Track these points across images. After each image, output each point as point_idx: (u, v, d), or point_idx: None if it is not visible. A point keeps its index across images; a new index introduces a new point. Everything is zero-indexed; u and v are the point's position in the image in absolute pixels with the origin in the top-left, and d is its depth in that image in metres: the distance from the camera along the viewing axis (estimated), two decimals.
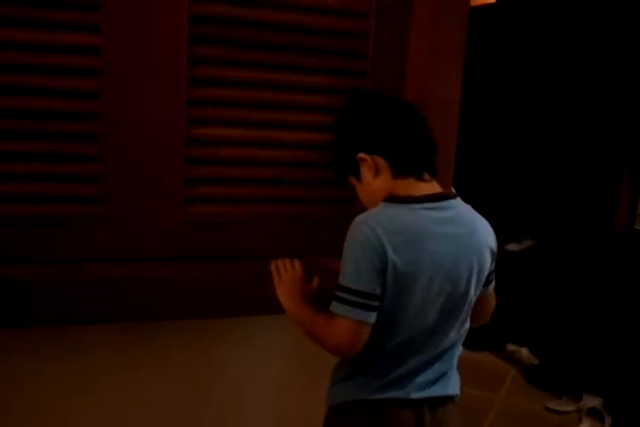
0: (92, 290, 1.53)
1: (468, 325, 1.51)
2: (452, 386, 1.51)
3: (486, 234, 1.47)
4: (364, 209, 1.56)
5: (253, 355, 1.84)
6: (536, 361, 3.79)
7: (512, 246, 3.85)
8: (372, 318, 1.34)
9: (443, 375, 1.48)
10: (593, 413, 3.22)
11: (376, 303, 1.34)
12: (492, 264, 1.50)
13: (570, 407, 3.33)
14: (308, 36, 1.66)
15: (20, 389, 1.64)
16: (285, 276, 1.57)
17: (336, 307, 1.35)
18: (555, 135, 3.95)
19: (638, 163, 3.61)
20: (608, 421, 3.17)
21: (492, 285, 1.56)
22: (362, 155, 1.42)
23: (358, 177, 1.47)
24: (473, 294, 1.45)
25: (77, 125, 1.54)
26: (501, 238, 1.53)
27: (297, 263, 1.59)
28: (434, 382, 1.46)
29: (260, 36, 1.62)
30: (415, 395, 1.43)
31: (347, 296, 1.33)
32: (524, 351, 3.86)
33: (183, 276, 1.61)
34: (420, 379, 1.44)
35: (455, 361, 1.52)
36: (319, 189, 1.75)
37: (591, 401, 3.29)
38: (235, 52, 1.61)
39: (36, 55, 1.47)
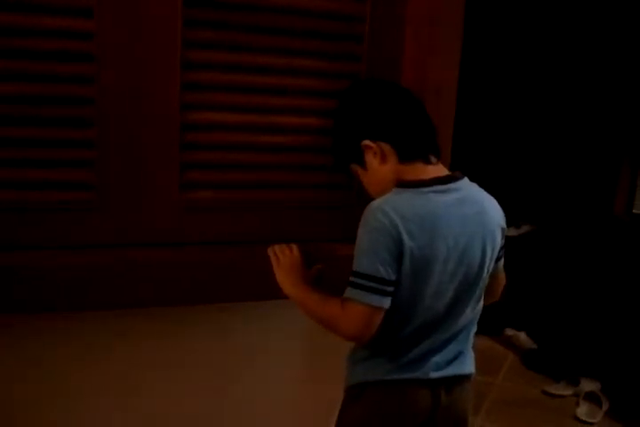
0: (87, 276, 1.53)
1: (482, 303, 1.52)
2: (468, 365, 1.52)
3: (496, 212, 1.48)
4: (361, 195, 1.56)
5: (260, 340, 1.85)
6: (534, 346, 3.80)
7: (510, 231, 3.84)
8: (386, 303, 1.35)
9: (459, 354, 1.49)
10: (590, 397, 3.23)
11: (390, 289, 1.34)
12: (501, 241, 1.51)
13: (567, 391, 3.34)
14: (304, 20, 1.65)
15: (22, 375, 1.65)
16: (284, 260, 1.57)
17: (350, 292, 1.35)
18: (554, 120, 3.94)
19: (638, 147, 3.61)
20: (605, 405, 3.18)
21: (502, 261, 1.57)
22: (367, 142, 1.42)
23: (363, 165, 1.46)
24: (486, 273, 1.46)
25: (72, 111, 1.53)
26: None
27: (295, 248, 1.59)
28: (451, 361, 1.47)
29: (255, 19, 1.61)
30: (433, 375, 1.45)
31: (361, 281, 1.34)
32: (522, 336, 3.87)
33: (179, 261, 1.61)
34: (437, 359, 1.45)
35: (471, 340, 1.53)
36: (316, 174, 1.74)
37: (589, 385, 3.30)
38: (229, 35, 1.60)
39: (30, 40, 1.46)
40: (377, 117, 1.43)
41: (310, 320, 1.48)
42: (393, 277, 1.33)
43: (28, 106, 1.49)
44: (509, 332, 3.94)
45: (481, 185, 1.49)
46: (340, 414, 1.55)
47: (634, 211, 3.64)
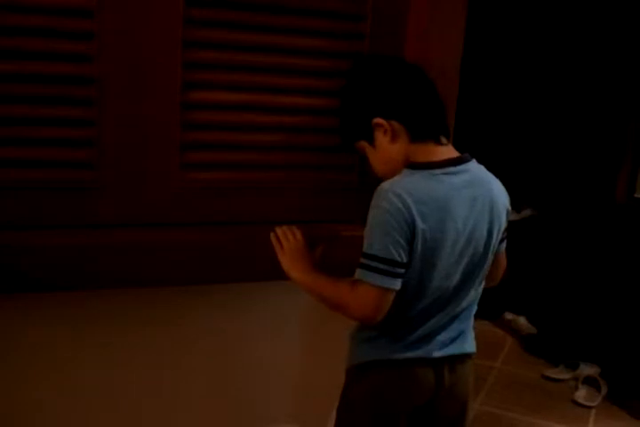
0: (87, 256, 1.53)
1: (483, 283, 1.52)
2: (470, 344, 1.53)
3: (502, 194, 1.48)
4: (363, 176, 1.54)
5: (259, 320, 1.85)
6: (533, 330, 3.81)
7: (511, 216, 3.82)
8: (397, 284, 1.35)
9: (461, 334, 1.50)
10: (589, 381, 3.24)
11: (401, 271, 1.34)
12: (506, 222, 1.51)
13: (566, 376, 3.35)
14: None
15: (23, 356, 1.65)
16: (287, 246, 1.55)
17: (361, 274, 1.35)
18: (556, 104, 3.92)
19: None
20: (604, 389, 3.19)
21: (505, 243, 1.56)
22: (378, 120, 1.39)
23: (372, 143, 1.45)
24: (491, 254, 1.47)
25: (73, 89, 1.52)
26: None
27: (297, 232, 1.57)
28: (453, 340, 1.48)
29: None
30: (436, 354, 1.46)
31: (373, 263, 1.33)
32: (522, 320, 3.88)
33: (179, 241, 1.61)
34: (441, 338, 1.46)
35: (472, 320, 1.54)
36: (318, 155, 1.73)
37: (587, 369, 3.31)
38: (231, 14, 1.58)
39: (30, 18, 1.45)
40: (390, 95, 1.41)
41: (309, 300, 1.48)
42: (404, 260, 1.33)
43: (27, 84, 1.48)
44: (509, 316, 3.95)
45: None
46: (344, 394, 1.55)
47: (635, 195, 3.63)
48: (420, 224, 1.31)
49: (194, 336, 1.80)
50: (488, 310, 3.80)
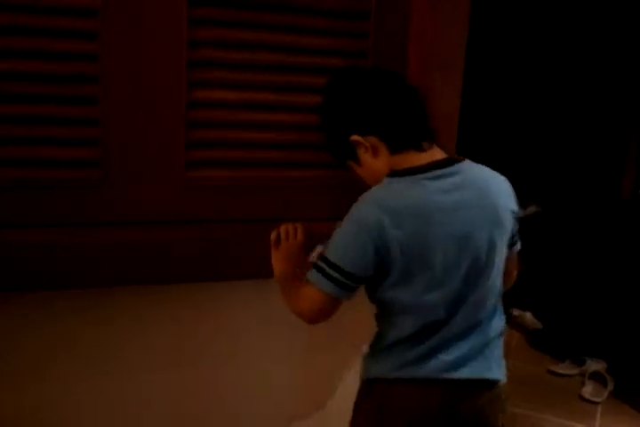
0: (90, 254, 1.53)
1: (496, 297, 1.43)
2: (494, 370, 1.44)
3: (502, 194, 1.42)
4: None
5: (261, 317, 1.85)
6: (540, 325, 3.81)
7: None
8: (342, 294, 1.34)
9: (477, 355, 1.40)
10: (596, 376, 3.24)
11: (351, 283, 1.33)
12: (514, 225, 1.45)
13: (573, 371, 3.35)
14: None
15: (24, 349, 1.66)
16: (284, 245, 1.53)
17: (312, 275, 1.35)
18: (560, 100, 3.91)
19: None
20: (611, 384, 3.19)
21: (516, 247, 1.51)
22: (356, 137, 1.37)
23: (357, 160, 1.43)
24: (499, 261, 1.40)
25: (77, 88, 1.52)
26: None
27: (300, 231, 1.55)
28: (466, 360, 1.38)
29: None
30: (446, 375, 1.37)
31: (325, 267, 1.33)
32: (528, 316, 3.88)
33: (183, 239, 1.61)
34: (446, 357, 1.37)
35: (494, 338, 1.43)
36: (320, 153, 1.73)
37: (594, 365, 3.31)
38: (235, 13, 1.59)
39: (34, 17, 1.45)
40: (361, 112, 1.38)
41: None
42: (357, 273, 1.32)
43: (31, 83, 1.49)
44: (515, 312, 3.94)
45: (488, 165, 1.44)
46: (355, 407, 1.52)
47: None
48: (392, 231, 1.28)
49: (194, 334, 1.80)
50: None
